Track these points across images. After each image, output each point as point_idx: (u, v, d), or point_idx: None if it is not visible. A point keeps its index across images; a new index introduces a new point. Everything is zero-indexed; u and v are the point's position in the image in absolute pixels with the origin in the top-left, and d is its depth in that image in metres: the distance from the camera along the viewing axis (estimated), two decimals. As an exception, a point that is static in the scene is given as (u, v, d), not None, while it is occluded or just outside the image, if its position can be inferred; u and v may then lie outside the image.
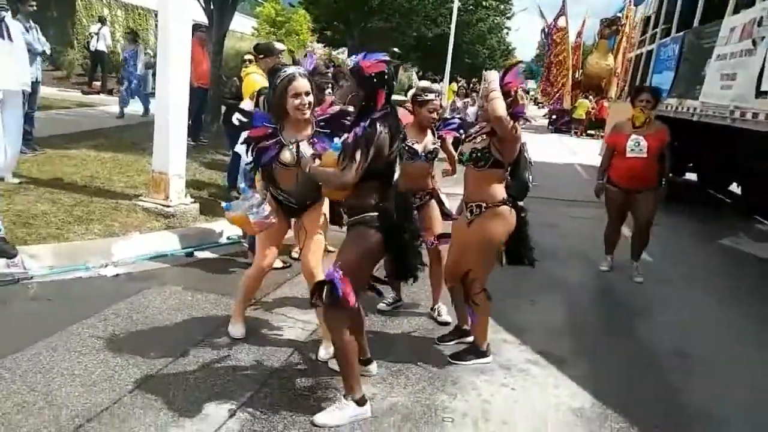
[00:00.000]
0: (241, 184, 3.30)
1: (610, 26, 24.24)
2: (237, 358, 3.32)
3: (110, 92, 15.24)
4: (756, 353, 4.15)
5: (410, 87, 9.71)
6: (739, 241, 7.62)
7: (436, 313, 4.13)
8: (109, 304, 3.83)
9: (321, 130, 3.27)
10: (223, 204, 3.55)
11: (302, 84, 3.13)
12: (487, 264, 3.40)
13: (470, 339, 3.66)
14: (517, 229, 3.37)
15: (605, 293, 5.27)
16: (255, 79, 5.69)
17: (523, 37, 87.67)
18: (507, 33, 39.15)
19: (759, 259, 6.86)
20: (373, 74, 2.67)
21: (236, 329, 3.58)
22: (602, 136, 21.50)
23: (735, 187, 10.91)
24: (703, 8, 8.51)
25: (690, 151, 9.30)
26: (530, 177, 3.42)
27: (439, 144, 4.09)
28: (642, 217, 5.30)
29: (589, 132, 24.21)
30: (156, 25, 22.54)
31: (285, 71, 3.18)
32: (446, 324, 4.01)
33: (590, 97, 24.38)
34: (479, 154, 3.27)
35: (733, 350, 4.17)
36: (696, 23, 8.57)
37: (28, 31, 6.77)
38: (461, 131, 4.12)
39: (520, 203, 3.42)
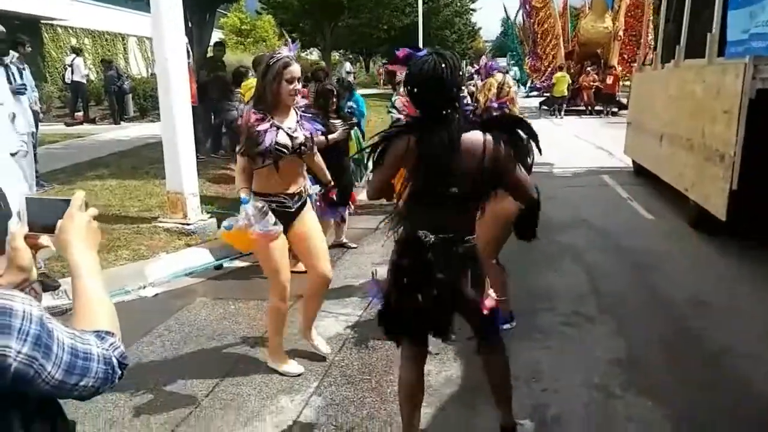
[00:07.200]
0: (242, 194, 3.07)
1: None
2: (296, 351, 3.53)
3: (93, 121, 15.26)
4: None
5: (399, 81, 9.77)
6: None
7: None
8: (160, 322, 4.03)
9: (305, 114, 3.22)
10: (224, 223, 3.17)
11: (296, 69, 3.00)
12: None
13: None
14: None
15: (616, 253, 5.51)
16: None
17: (487, 15, 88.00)
18: (471, 14, 39.51)
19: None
20: None
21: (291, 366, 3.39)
22: (614, 113, 18.50)
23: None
24: None
25: None
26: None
27: None
28: None
29: (596, 109, 19.82)
30: (125, 49, 22.66)
31: (277, 55, 3.00)
32: None
33: (588, 68, 20.11)
34: None
35: (746, 296, 4.48)
36: None
37: (21, 73, 6.88)
38: None
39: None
